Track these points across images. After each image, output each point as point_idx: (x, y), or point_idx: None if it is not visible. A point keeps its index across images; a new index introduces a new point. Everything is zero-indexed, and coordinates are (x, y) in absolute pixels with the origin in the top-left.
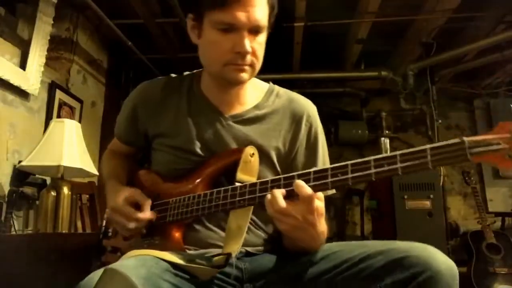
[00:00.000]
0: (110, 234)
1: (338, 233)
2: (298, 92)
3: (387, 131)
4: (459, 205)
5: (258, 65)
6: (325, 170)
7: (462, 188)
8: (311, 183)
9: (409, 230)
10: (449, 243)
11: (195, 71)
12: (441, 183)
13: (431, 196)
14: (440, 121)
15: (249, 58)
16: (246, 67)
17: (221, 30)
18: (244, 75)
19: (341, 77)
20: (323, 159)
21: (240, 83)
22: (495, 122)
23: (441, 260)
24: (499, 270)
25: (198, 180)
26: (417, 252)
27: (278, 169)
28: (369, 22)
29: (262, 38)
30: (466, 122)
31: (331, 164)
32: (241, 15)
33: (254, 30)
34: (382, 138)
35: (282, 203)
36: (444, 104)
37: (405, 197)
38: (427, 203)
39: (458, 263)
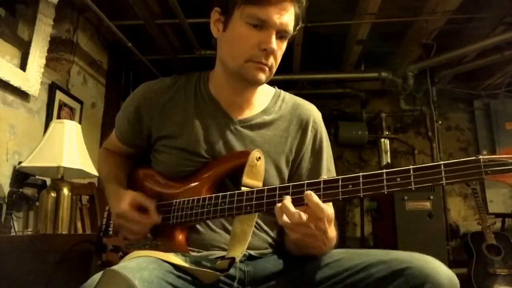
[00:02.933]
0: (110, 232)
1: (338, 234)
2: (298, 93)
3: (387, 132)
4: (459, 206)
5: (274, 71)
6: (336, 180)
7: (462, 189)
8: (321, 193)
9: (409, 231)
10: (449, 244)
11: (201, 72)
12: None
13: (431, 197)
14: (440, 122)
15: (271, 59)
16: (266, 68)
17: (251, 25)
18: (262, 76)
19: (341, 78)
20: (328, 165)
21: (256, 83)
22: (495, 123)
23: (443, 272)
24: (499, 271)
25: (202, 182)
26: (418, 263)
27: (284, 175)
28: (369, 23)
29: (284, 46)
30: (466, 123)
31: (334, 169)
32: (275, 16)
33: (280, 35)
34: (382, 139)
35: (294, 212)
36: (444, 105)
37: (405, 198)
38: (427, 204)
39: (458, 264)
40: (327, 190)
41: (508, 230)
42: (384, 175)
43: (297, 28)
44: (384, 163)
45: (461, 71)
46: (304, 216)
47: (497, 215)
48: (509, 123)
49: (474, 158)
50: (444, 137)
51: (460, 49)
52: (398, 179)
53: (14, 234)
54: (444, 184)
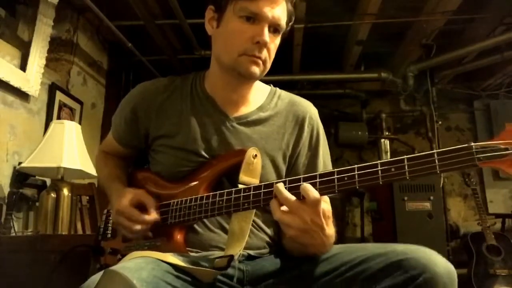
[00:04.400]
0: (109, 235)
1: (338, 234)
2: (298, 94)
3: (387, 133)
4: (459, 207)
5: (268, 66)
6: (332, 173)
7: (462, 190)
8: (317, 187)
9: (409, 232)
10: (449, 244)
11: (197, 72)
12: (441, 185)
13: (431, 197)
14: (440, 122)
15: (265, 52)
16: (260, 62)
17: (244, 19)
18: (256, 69)
19: (341, 79)
20: (324, 161)
21: (251, 76)
22: (495, 124)
23: (440, 263)
24: (500, 271)
25: (199, 182)
26: (415, 254)
27: (281, 171)
28: (369, 23)
29: (277, 40)
30: (466, 124)
31: (331, 165)
32: (266, 9)
33: (273, 29)
34: (382, 140)
35: (289, 195)
36: (444, 105)
37: (405, 198)
38: (427, 205)
39: (458, 265)
40: (323, 184)
41: (508, 231)
42: (379, 166)
43: (290, 24)
44: None
45: (461, 72)
46: (298, 203)
47: (497, 216)
48: (509, 123)
49: (466, 145)
50: (444, 137)
51: (460, 50)
52: (393, 169)
53: (14, 234)
54: (438, 172)
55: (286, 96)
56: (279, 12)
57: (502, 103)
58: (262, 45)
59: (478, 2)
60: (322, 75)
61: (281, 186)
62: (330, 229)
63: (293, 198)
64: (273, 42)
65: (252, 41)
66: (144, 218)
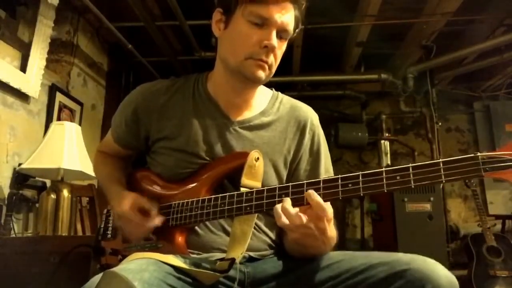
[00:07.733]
0: (109, 235)
1: (338, 236)
2: (298, 95)
3: (387, 134)
4: (460, 208)
5: (273, 71)
6: (336, 179)
7: (462, 191)
8: (321, 192)
9: (409, 233)
10: (450, 246)
11: (199, 73)
12: (441, 186)
13: (431, 198)
14: (440, 123)
15: (271, 57)
16: (266, 66)
17: (253, 23)
18: (262, 73)
19: (341, 80)
20: (326, 167)
21: (256, 80)
22: (495, 125)
23: (442, 274)
24: (500, 273)
25: (201, 184)
26: (418, 265)
27: (283, 176)
28: (369, 24)
29: (284, 46)
30: (466, 125)
31: (332, 170)
32: (276, 14)
33: (281, 34)
34: (382, 141)
35: (294, 214)
36: (444, 106)
37: (405, 199)
38: (427, 206)
39: (459, 266)
40: (327, 190)
41: (508, 232)
42: (384, 173)
43: (297, 30)
44: (384, 164)
45: (461, 73)
46: (304, 218)
47: (497, 217)
48: (509, 124)
49: (472, 155)
50: (444, 138)
51: (460, 51)
52: (398, 178)
53: (14, 235)
54: (444, 181)
55: (287, 101)
56: (288, 18)
57: (502, 104)
58: (269, 49)
59: (478, 4)
60: (322, 76)
61: (288, 205)
62: (332, 232)
63: (298, 216)
64: (280, 48)
65: (260, 45)
66: (145, 222)
